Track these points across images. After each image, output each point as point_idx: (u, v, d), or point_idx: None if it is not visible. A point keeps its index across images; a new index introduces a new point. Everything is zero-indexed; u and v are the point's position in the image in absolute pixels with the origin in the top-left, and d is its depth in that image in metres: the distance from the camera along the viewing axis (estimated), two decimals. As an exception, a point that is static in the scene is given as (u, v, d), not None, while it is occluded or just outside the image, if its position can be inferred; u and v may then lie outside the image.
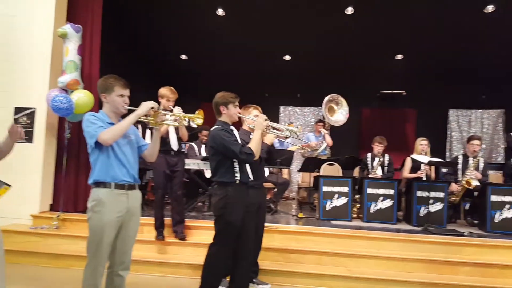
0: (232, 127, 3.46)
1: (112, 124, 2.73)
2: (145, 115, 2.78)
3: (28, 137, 5.41)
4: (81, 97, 5.22)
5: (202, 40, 8.16)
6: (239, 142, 3.34)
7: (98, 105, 5.42)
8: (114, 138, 2.63)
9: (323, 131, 7.44)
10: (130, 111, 2.79)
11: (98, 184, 2.67)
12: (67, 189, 5.61)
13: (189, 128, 4.58)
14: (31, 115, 5.46)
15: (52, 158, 5.65)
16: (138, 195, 2.86)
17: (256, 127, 3.37)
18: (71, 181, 5.65)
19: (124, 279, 2.84)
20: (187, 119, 4.60)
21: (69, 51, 5.37)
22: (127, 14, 7.22)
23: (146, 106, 2.75)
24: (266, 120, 3.39)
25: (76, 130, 5.58)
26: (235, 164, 3.29)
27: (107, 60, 6.17)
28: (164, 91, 4.60)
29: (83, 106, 5.22)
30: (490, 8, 6.50)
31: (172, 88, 4.64)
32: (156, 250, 4.79)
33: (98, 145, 2.62)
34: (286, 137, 3.63)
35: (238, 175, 3.28)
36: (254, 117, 3.57)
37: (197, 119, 2.98)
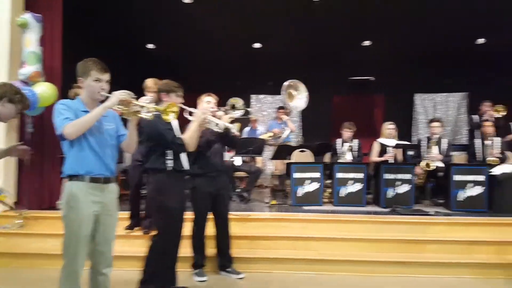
0: None
1: (86, 112, 2.50)
2: (118, 105, 2.56)
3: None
4: (44, 90, 5.03)
5: (169, 29, 7.99)
6: (175, 131, 3.32)
7: (61, 98, 5.25)
8: (77, 133, 2.41)
9: (285, 117, 7.51)
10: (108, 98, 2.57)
11: (71, 177, 2.49)
12: (30, 186, 5.35)
13: None
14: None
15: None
16: (115, 189, 2.68)
17: (194, 118, 3.34)
18: (35, 178, 5.37)
19: (108, 277, 2.66)
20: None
21: (30, 42, 5.15)
22: (89, 2, 6.97)
23: (116, 96, 2.51)
24: (204, 113, 3.37)
25: (38, 124, 5.39)
26: (167, 151, 3.23)
27: (69, 52, 5.94)
28: (149, 83, 4.52)
29: (46, 99, 5.04)
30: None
31: (156, 79, 4.51)
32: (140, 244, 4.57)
33: (64, 137, 2.44)
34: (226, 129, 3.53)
35: (170, 162, 3.23)
36: (193, 109, 3.45)
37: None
